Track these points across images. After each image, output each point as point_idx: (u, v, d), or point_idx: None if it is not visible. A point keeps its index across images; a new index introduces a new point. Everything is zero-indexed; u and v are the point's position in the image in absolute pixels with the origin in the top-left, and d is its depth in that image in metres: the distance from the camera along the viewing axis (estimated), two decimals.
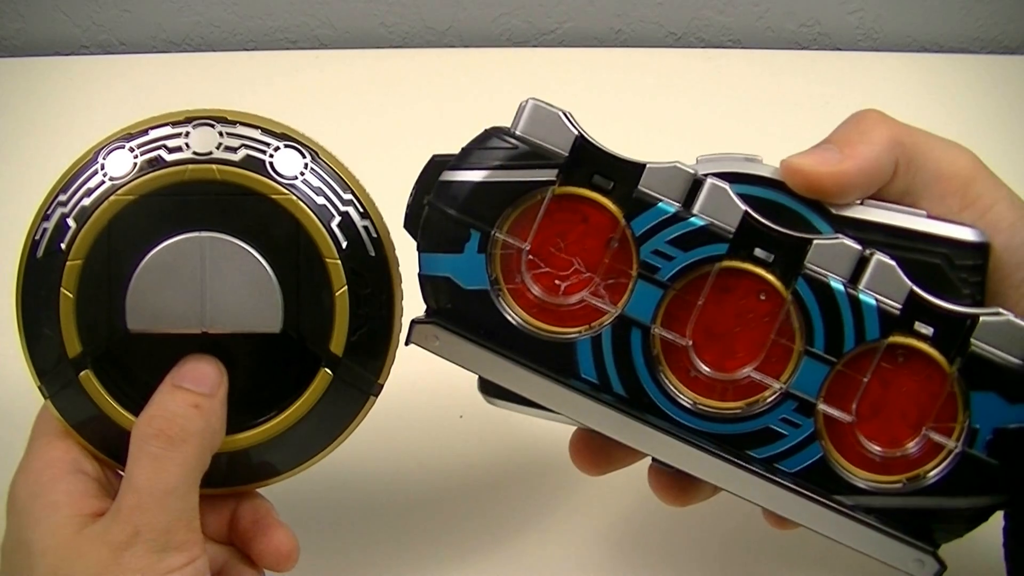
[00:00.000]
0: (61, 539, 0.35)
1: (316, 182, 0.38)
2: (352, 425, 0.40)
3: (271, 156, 0.38)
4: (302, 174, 0.38)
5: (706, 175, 0.36)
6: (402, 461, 0.54)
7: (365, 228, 0.39)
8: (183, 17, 0.90)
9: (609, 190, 0.36)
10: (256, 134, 0.38)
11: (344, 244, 0.38)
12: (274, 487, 0.41)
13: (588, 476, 0.41)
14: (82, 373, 0.38)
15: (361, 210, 0.39)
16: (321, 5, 0.90)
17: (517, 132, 0.37)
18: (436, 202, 0.37)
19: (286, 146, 0.38)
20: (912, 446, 0.37)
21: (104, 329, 0.38)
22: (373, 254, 0.39)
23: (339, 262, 0.38)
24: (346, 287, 0.38)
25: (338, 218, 0.38)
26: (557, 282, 0.38)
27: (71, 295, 0.37)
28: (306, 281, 0.38)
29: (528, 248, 0.37)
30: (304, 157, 0.38)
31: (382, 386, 0.40)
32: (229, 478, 0.40)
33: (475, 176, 0.37)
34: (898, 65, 0.86)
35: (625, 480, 0.42)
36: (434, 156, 0.38)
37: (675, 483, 0.39)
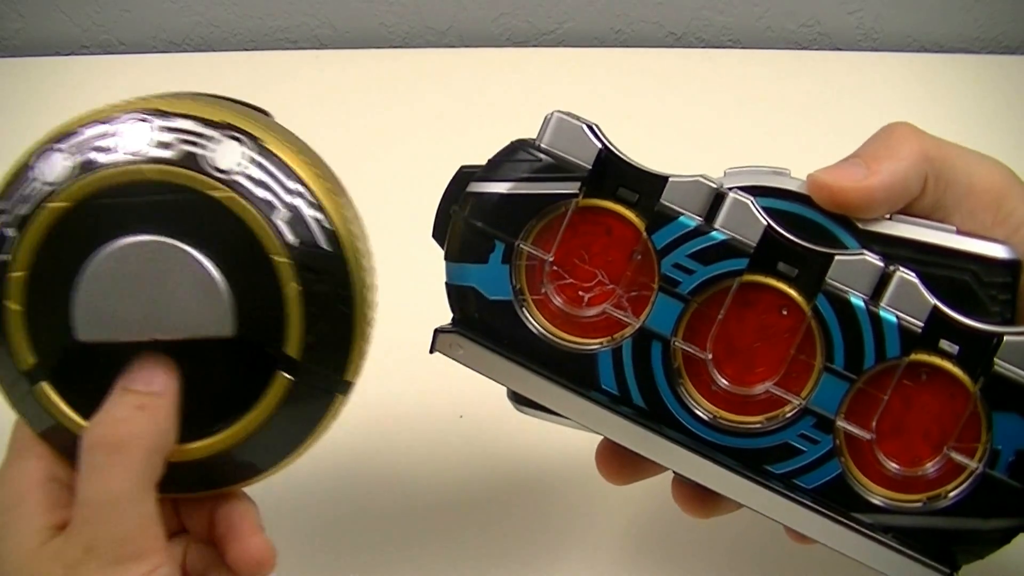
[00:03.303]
0: (24, 554, 0.35)
1: (258, 174, 0.36)
2: (320, 426, 0.38)
3: (207, 149, 0.36)
4: (241, 166, 0.36)
5: (730, 188, 0.36)
6: (402, 461, 0.54)
7: (316, 220, 0.36)
8: (183, 17, 0.90)
9: (634, 203, 0.37)
10: (193, 126, 0.36)
11: (291, 239, 0.36)
12: (263, 489, 0.40)
13: (589, 479, 0.41)
14: (36, 386, 0.36)
15: (312, 200, 0.37)
16: (321, 5, 0.90)
17: (542, 145, 0.37)
18: (462, 213, 0.37)
19: (225, 136, 0.36)
20: (933, 465, 0.36)
21: (56, 340, 0.36)
22: (327, 248, 0.37)
23: (286, 259, 0.36)
24: (296, 284, 0.36)
25: (284, 212, 0.36)
26: (581, 293, 0.38)
27: (18, 307, 0.36)
28: (255, 281, 0.36)
29: (552, 259, 0.38)
30: (245, 147, 0.36)
31: (351, 383, 0.38)
32: (191, 484, 0.38)
33: (500, 188, 0.37)
34: (898, 65, 0.86)
35: (629, 484, 0.42)
36: (462, 167, 0.38)
37: (698, 495, 0.39)
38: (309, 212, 0.36)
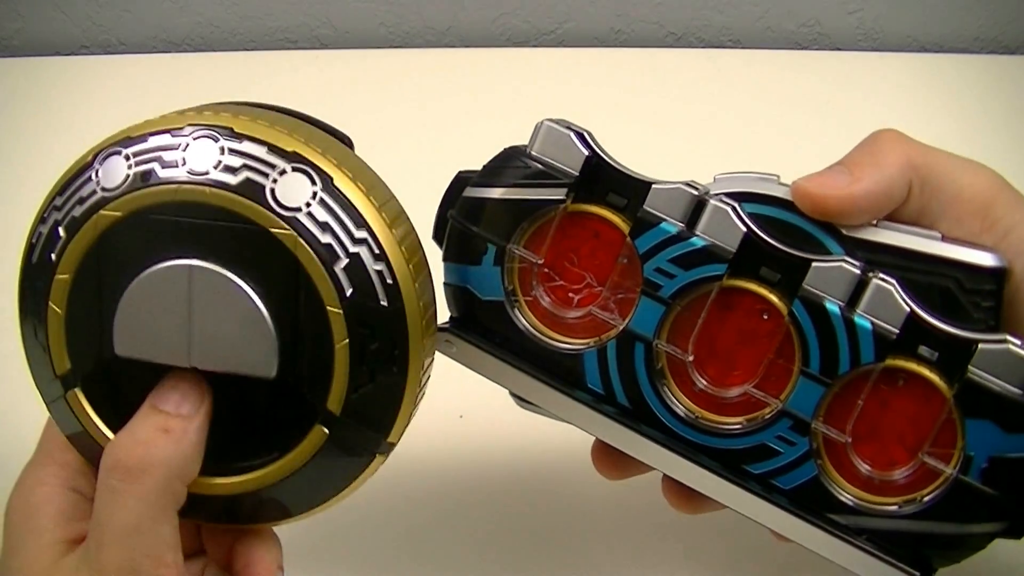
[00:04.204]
0: (39, 569, 0.35)
1: (324, 215, 0.34)
2: (355, 483, 0.37)
3: (274, 181, 0.34)
4: (308, 205, 0.34)
5: (715, 195, 0.37)
6: (401, 461, 0.54)
7: (379, 273, 0.34)
8: (183, 17, 0.90)
9: (622, 207, 0.37)
10: (261, 152, 0.34)
11: (349, 291, 0.34)
12: None
13: (589, 478, 0.41)
14: (69, 392, 0.36)
15: (376, 252, 0.34)
16: (321, 5, 0.90)
17: (532, 152, 0.38)
18: (457, 216, 0.39)
19: (294, 169, 0.34)
20: (908, 469, 0.37)
21: (93, 349, 0.35)
22: (385, 304, 0.34)
23: (341, 311, 0.34)
24: (347, 340, 0.34)
25: (345, 260, 0.34)
26: (571, 295, 0.39)
27: (60, 311, 0.35)
28: (306, 327, 0.34)
29: (542, 262, 0.38)
30: (314, 184, 0.34)
31: (393, 444, 0.37)
32: (216, 515, 0.37)
33: (493, 193, 0.38)
34: (898, 65, 0.86)
35: (627, 481, 0.42)
36: (459, 173, 0.39)
37: (685, 492, 0.39)
38: (372, 265, 0.34)
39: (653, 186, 0.37)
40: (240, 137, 0.34)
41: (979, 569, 0.39)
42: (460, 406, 0.55)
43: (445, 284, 0.39)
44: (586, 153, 0.37)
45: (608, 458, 0.40)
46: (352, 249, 0.34)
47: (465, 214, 0.38)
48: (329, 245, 0.34)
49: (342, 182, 0.35)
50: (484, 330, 0.39)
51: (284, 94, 0.81)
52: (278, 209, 0.34)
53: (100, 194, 0.34)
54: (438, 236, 0.40)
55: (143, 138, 0.35)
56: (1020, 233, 0.37)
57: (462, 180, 0.39)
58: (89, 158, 0.35)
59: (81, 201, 0.35)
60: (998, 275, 0.36)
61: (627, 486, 0.41)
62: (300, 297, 0.34)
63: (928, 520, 0.36)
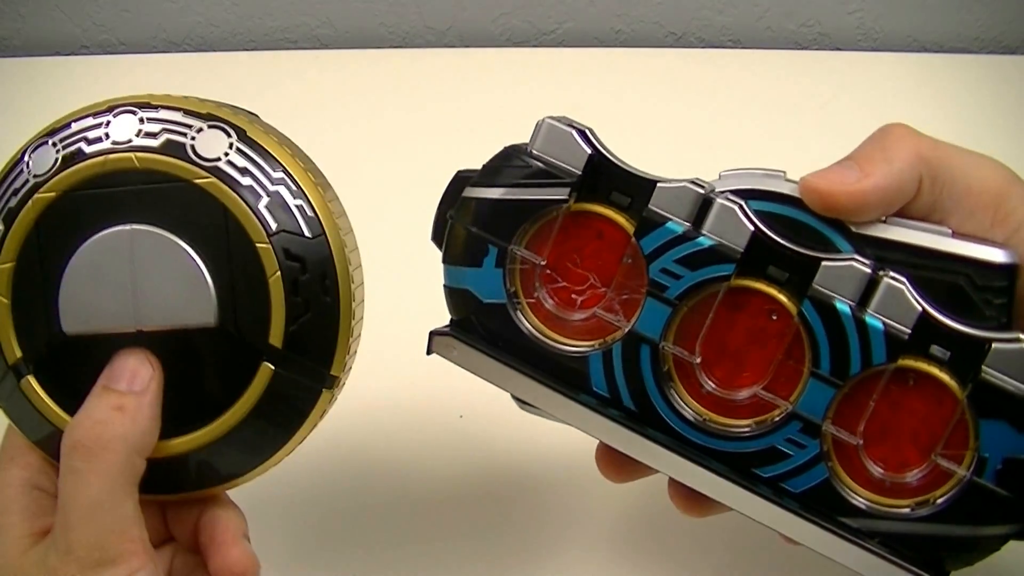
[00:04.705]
0: (8, 563, 0.35)
1: (242, 162, 0.36)
2: (307, 423, 0.38)
3: (192, 139, 0.36)
4: (226, 155, 0.36)
5: (721, 192, 0.36)
6: (401, 461, 0.54)
7: (299, 207, 0.36)
8: (183, 17, 0.90)
9: (626, 206, 0.37)
10: (178, 116, 0.36)
11: (274, 226, 0.36)
12: (262, 489, 0.40)
13: (590, 478, 0.41)
14: (23, 380, 0.37)
15: (294, 189, 0.37)
16: (321, 5, 0.90)
17: (533, 151, 0.37)
18: (457, 217, 0.38)
19: (210, 127, 0.36)
20: (920, 471, 0.36)
21: (42, 333, 0.36)
22: (309, 235, 0.36)
23: (269, 246, 0.36)
24: (279, 272, 0.36)
25: (266, 199, 0.36)
26: (574, 296, 0.38)
27: (5, 300, 0.36)
28: (239, 270, 0.36)
29: (544, 263, 0.38)
30: (229, 137, 0.36)
31: (337, 378, 0.38)
32: (176, 484, 0.38)
33: (493, 193, 0.37)
34: (898, 65, 0.86)
35: (628, 483, 0.42)
36: (458, 172, 0.39)
37: (692, 495, 0.39)
38: (292, 200, 0.37)
39: (658, 185, 0.36)
40: (156, 107, 0.37)
41: (991, 571, 0.38)
42: (460, 406, 0.55)
43: (445, 286, 0.39)
44: (588, 151, 0.37)
45: (613, 461, 0.40)
46: (272, 188, 0.36)
47: (466, 215, 0.38)
48: (250, 187, 0.36)
49: (255, 133, 0.37)
50: (486, 333, 0.38)
51: (284, 94, 0.81)
52: (200, 161, 0.36)
53: (32, 181, 0.36)
54: (437, 237, 0.39)
55: (67, 125, 0.37)
56: None
57: (461, 180, 0.38)
58: (19, 154, 0.37)
59: (15, 192, 0.36)
60: (1010, 271, 0.36)
61: (630, 485, 0.41)
62: (230, 241, 0.36)
63: (941, 523, 0.36)
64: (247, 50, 0.91)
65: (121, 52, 0.91)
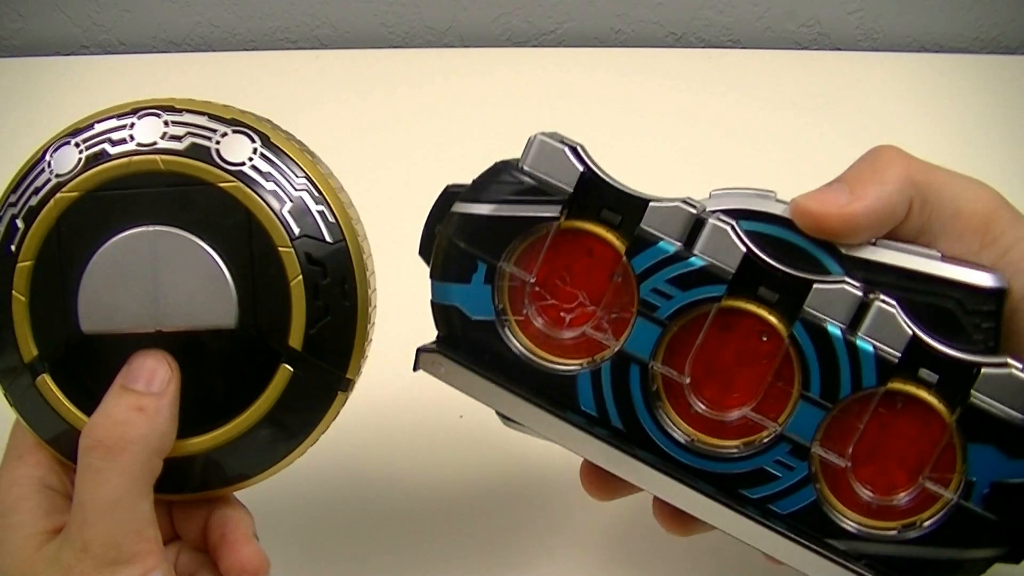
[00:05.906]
0: (21, 559, 0.35)
1: (266, 167, 0.37)
2: (321, 424, 0.38)
3: (217, 143, 0.36)
4: (250, 160, 0.37)
5: (712, 212, 0.36)
6: (401, 461, 0.54)
7: (320, 213, 0.37)
8: (183, 17, 0.90)
9: (617, 224, 0.37)
10: (203, 121, 0.37)
11: (297, 231, 0.36)
12: (263, 489, 0.40)
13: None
14: (39, 378, 0.37)
15: (316, 195, 0.37)
16: (321, 5, 0.90)
17: (524, 167, 0.37)
18: (446, 233, 0.38)
19: (234, 131, 0.37)
20: (908, 494, 0.36)
21: (59, 331, 0.36)
22: (330, 240, 0.37)
23: (292, 250, 0.36)
24: (301, 276, 0.36)
25: (290, 203, 0.37)
26: (563, 314, 0.38)
27: (23, 298, 0.36)
28: (260, 272, 0.36)
29: (533, 280, 0.38)
30: (253, 142, 0.37)
31: (352, 381, 0.38)
32: (189, 484, 0.38)
33: (482, 209, 0.37)
34: (898, 65, 0.86)
35: (612, 500, 0.42)
36: (447, 187, 0.38)
37: (677, 514, 0.39)
38: (314, 206, 0.37)
39: (650, 204, 0.36)
40: (181, 111, 0.37)
41: None
42: (460, 406, 0.55)
43: (432, 302, 0.39)
44: (580, 169, 0.36)
45: (596, 479, 0.40)
46: (295, 194, 0.37)
47: (454, 230, 0.37)
48: (274, 191, 0.37)
49: (278, 139, 0.38)
50: (473, 350, 0.38)
51: (284, 94, 0.81)
52: (224, 165, 0.36)
53: (55, 180, 0.36)
54: (425, 252, 0.39)
55: (90, 126, 0.37)
56: (1021, 251, 0.36)
57: (450, 194, 0.38)
58: (40, 154, 0.37)
59: (36, 191, 0.36)
60: (998, 296, 0.36)
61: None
62: (252, 244, 0.36)
63: (928, 545, 0.36)
64: (247, 50, 0.91)
65: (121, 52, 0.91)
